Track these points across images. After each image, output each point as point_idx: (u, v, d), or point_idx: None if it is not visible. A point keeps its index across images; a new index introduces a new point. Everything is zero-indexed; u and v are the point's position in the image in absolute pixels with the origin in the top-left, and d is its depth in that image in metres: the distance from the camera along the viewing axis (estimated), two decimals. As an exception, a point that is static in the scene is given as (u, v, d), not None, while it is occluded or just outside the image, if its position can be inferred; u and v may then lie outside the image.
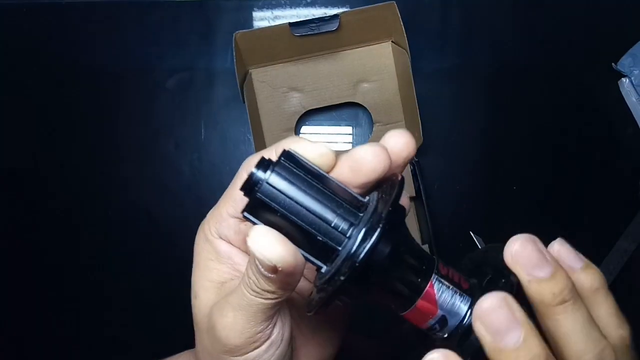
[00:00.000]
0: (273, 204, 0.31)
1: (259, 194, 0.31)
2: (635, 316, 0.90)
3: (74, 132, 0.96)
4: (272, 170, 0.31)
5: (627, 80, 0.92)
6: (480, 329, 0.30)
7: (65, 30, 0.98)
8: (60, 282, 0.94)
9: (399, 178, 0.33)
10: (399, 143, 0.35)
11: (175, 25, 0.97)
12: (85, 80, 0.97)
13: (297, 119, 0.90)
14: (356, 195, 0.34)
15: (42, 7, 0.98)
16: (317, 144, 0.34)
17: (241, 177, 0.36)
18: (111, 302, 0.94)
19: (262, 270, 0.31)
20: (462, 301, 0.33)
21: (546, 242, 0.94)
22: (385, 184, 0.34)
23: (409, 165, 0.87)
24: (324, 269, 0.33)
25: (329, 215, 0.32)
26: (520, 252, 0.33)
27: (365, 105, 0.90)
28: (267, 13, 0.97)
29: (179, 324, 0.88)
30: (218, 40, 0.97)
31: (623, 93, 0.93)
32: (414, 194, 0.86)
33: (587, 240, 0.92)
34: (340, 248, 0.32)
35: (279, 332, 0.36)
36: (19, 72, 0.98)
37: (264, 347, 0.35)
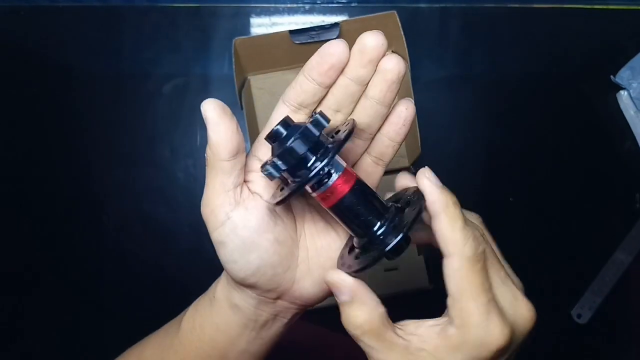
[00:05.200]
0: None
1: None
2: (632, 327, 0.90)
3: (68, 137, 0.95)
4: None
5: (626, 92, 0.93)
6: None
7: (61, 34, 0.97)
8: (54, 287, 0.93)
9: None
10: (369, 43, 0.40)
11: (172, 30, 0.97)
12: (80, 85, 0.96)
13: (294, 127, 0.90)
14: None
15: (39, 10, 0.97)
16: None
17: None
18: (106, 307, 0.93)
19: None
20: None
21: (545, 254, 0.94)
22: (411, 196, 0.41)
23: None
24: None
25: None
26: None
27: (363, 114, 0.90)
28: (264, 19, 0.97)
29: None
30: (215, 46, 0.96)
31: (621, 106, 0.93)
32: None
33: (584, 252, 0.92)
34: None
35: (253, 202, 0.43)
36: (14, 75, 0.97)
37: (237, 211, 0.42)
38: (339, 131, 0.42)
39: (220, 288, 0.48)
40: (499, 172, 0.94)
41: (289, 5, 0.96)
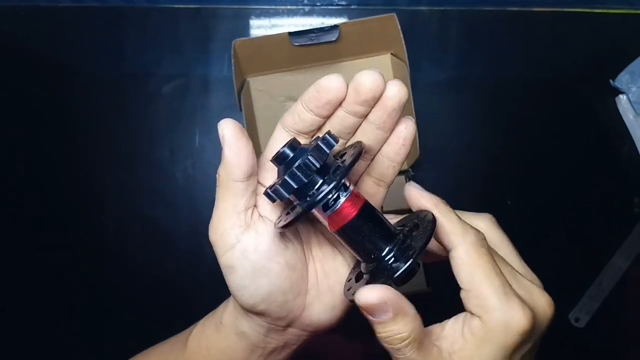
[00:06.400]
0: None
1: None
2: (630, 332, 0.90)
3: (69, 137, 0.95)
4: None
5: (625, 97, 0.92)
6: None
7: (62, 34, 0.97)
8: (54, 288, 0.93)
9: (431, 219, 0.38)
10: (364, 84, 0.39)
11: (172, 31, 0.97)
12: (81, 85, 0.96)
13: (293, 129, 0.89)
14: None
15: (39, 11, 0.97)
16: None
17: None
18: (106, 308, 0.93)
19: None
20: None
21: (542, 258, 0.94)
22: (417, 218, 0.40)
23: (404, 177, 0.86)
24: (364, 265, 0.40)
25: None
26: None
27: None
28: (264, 21, 0.97)
29: (174, 329, 0.87)
30: (215, 47, 0.96)
31: (620, 110, 0.93)
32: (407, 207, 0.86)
33: (581, 256, 0.92)
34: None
35: (263, 226, 0.41)
36: (15, 76, 0.96)
37: (248, 234, 0.41)
38: (345, 153, 0.40)
39: (228, 314, 0.46)
40: (497, 174, 0.94)
41: (288, 7, 0.96)
